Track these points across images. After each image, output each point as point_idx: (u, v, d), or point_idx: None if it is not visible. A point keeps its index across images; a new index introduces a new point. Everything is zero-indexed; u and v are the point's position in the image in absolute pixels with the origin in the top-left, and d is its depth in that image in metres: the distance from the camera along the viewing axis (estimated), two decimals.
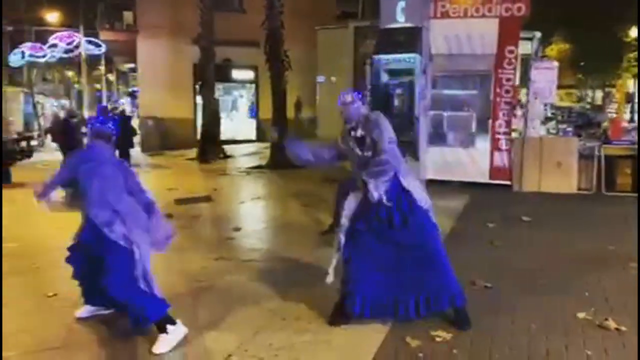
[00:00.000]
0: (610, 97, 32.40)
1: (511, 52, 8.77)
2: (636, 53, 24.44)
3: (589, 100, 33.51)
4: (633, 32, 24.06)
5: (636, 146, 8.63)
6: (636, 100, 29.08)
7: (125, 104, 33.92)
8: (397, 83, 7.44)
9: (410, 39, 7.31)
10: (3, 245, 6.22)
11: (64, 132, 11.33)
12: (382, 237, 3.69)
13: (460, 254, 5.44)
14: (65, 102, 41.41)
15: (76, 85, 49.08)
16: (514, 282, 4.69)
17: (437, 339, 3.54)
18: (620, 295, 4.31)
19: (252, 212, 8.44)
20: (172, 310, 3.85)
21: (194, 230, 7.08)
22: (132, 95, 29.58)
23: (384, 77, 7.50)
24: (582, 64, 31.91)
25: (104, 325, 3.99)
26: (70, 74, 43.31)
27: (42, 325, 4.05)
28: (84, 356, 3.57)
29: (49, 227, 7.41)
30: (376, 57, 7.52)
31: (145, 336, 3.70)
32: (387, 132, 3.67)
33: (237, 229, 6.94)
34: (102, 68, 41.06)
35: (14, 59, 18.97)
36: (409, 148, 7.02)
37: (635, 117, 26.39)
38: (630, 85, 31.34)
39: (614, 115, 18.16)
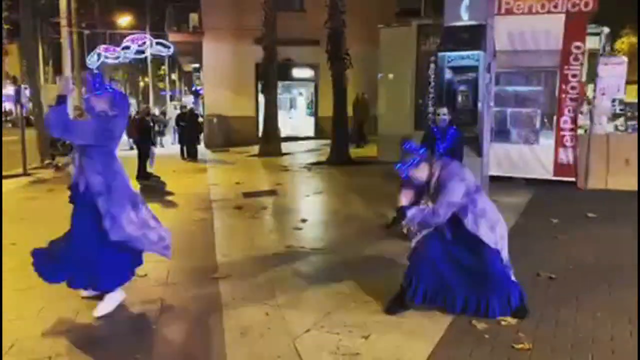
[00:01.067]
0: None
1: (578, 47, 8.68)
2: None
3: None
4: None
5: None
6: None
7: (189, 102, 35.33)
8: (460, 80, 7.53)
9: (474, 37, 7.38)
10: None
11: (140, 129, 12.06)
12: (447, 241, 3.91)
13: (524, 248, 5.59)
14: (131, 101, 43.34)
15: (141, 85, 51.37)
16: (579, 274, 4.78)
17: (503, 323, 3.73)
18: None
19: (316, 205, 8.77)
20: (249, 292, 4.27)
21: (263, 221, 7.50)
22: (196, 94, 30.69)
23: (448, 74, 7.61)
24: None
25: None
26: (134, 74, 45.41)
27: (135, 302, 4.52)
28: (180, 328, 3.98)
29: None
30: (440, 54, 7.65)
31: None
32: (450, 195, 3.71)
33: (304, 221, 7.28)
34: (165, 68, 42.84)
35: (91, 60, 20.20)
36: (473, 144, 7.12)
37: None
38: None
39: None
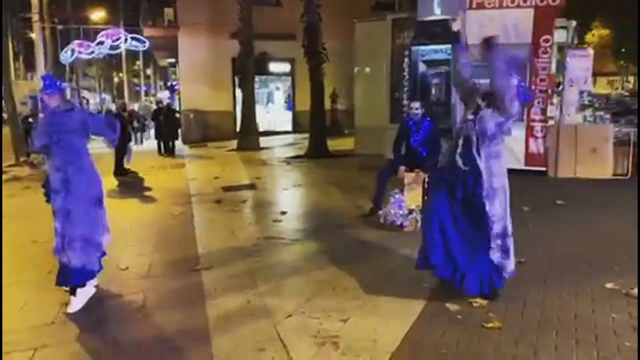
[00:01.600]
0: None
1: (546, 41, 8.95)
2: None
3: (630, 87, 32.73)
4: None
5: None
6: None
7: (164, 97, 35.03)
8: (434, 73, 7.74)
9: (446, 30, 7.61)
10: None
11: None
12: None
13: None
14: (106, 96, 42.81)
15: (115, 80, 50.71)
16: (546, 258, 5.02)
17: (474, 304, 3.93)
18: None
19: (295, 198, 8.89)
20: (231, 282, 4.39)
21: (243, 214, 7.60)
22: (172, 89, 30.46)
23: (422, 68, 7.82)
24: (623, 50, 31.22)
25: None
26: (108, 69, 44.81)
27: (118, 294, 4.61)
28: (164, 317, 4.08)
29: None
30: (414, 48, 7.84)
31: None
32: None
33: (283, 213, 7.41)
34: (140, 63, 42.36)
35: (65, 56, 19.93)
36: (447, 135, 7.31)
37: None
38: None
39: None
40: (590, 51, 9.65)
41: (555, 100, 9.96)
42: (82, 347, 3.61)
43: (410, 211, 6.27)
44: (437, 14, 7.73)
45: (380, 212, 6.38)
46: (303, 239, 6.06)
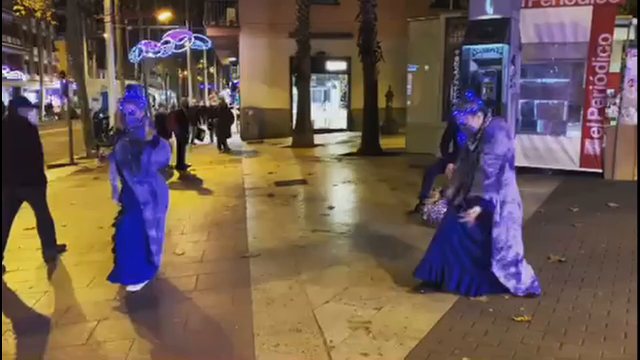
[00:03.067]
0: None
1: (605, 40, 8.72)
2: None
3: None
4: None
5: None
6: None
7: (225, 95, 36.14)
8: (485, 72, 7.75)
9: (498, 30, 7.60)
10: None
11: (179, 121, 12.65)
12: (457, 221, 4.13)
13: (540, 233, 5.84)
14: (171, 93, 44.57)
15: (180, 78, 52.66)
16: (588, 258, 5.00)
17: (507, 297, 4.03)
18: None
19: (344, 194, 9.12)
20: (276, 269, 4.70)
21: (293, 208, 7.90)
22: (234, 87, 31.39)
23: (473, 67, 7.84)
24: None
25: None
26: (174, 67, 46.63)
27: (174, 277, 5.00)
28: (213, 298, 4.43)
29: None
30: (465, 47, 7.88)
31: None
32: (497, 146, 3.86)
33: (331, 208, 7.66)
34: (204, 62, 43.83)
35: (133, 55, 21.05)
36: None
37: None
38: None
39: None
40: None
41: (617, 100, 9.66)
42: (138, 322, 4.00)
43: None
44: (490, 13, 7.73)
45: (425, 209, 6.49)
46: (347, 233, 6.28)
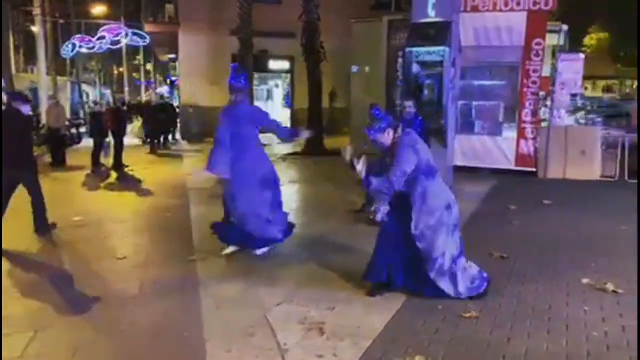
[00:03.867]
0: None
1: (539, 44, 9.16)
2: None
3: (627, 91, 32.91)
4: None
5: None
6: None
7: (164, 92, 35.18)
8: (427, 74, 7.92)
9: (440, 33, 7.76)
10: (72, 218, 7.09)
11: (116, 118, 12.19)
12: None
13: (480, 231, 6.05)
14: (106, 91, 42.97)
15: (115, 74, 50.78)
16: (528, 254, 5.22)
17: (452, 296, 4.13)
18: (624, 266, 4.79)
19: (290, 194, 9.05)
20: (225, 271, 4.58)
21: None
22: (172, 84, 30.61)
23: (415, 69, 7.99)
24: (622, 54, 31.38)
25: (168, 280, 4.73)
26: (108, 63, 44.92)
27: (117, 281, 4.81)
28: (160, 304, 4.28)
29: (102, 203, 8.31)
30: (408, 49, 8.02)
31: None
32: (401, 163, 3.92)
33: None
34: (141, 58, 42.45)
35: (66, 50, 20.09)
36: (438, 135, 7.51)
37: None
38: None
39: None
40: (581, 55, 9.86)
41: (549, 102, 10.17)
42: (81, 330, 3.80)
43: None
44: (432, 16, 7.90)
45: (373, 208, 6.56)
46: (296, 233, 6.24)
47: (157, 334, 3.74)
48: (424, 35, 7.85)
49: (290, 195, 8.91)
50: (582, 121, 11.48)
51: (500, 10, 9.21)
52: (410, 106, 6.79)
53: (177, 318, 3.98)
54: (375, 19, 11.29)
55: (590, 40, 33.34)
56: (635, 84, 35.18)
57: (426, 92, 7.91)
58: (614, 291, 4.15)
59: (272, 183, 5.50)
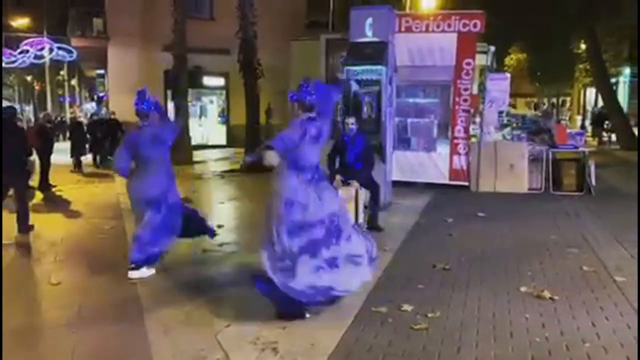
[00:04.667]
0: (565, 105, 34.15)
1: (468, 64, 9.61)
2: (586, 64, 26.01)
3: (544, 108, 35.06)
4: (583, 46, 25.55)
5: (579, 150, 9.57)
6: (589, 108, 30.80)
7: (90, 108, 33.82)
8: (365, 92, 8.12)
9: (377, 52, 8.00)
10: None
11: (41, 136, 11.56)
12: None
13: (422, 244, 6.22)
14: (28, 107, 40.75)
15: (37, 90, 48.28)
16: (468, 265, 5.41)
17: (402, 308, 4.21)
18: (556, 273, 5.08)
19: (231, 211, 8.97)
20: (169, 294, 4.43)
21: None
22: (99, 100, 29.52)
23: (354, 86, 8.17)
24: (538, 73, 33.37)
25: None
26: (29, 78, 42.71)
27: (51, 308, 4.53)
28: (102, 330, 4.07)
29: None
30: (347, 68, 8.19)
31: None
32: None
33: (220, 226, 7.43)
34: (64, 73, 40.65)
35: None
36: (377, 151, 7.68)
37: (586, 123, 28.02)
38: (581, 94, 33.14)
39: (562, 122, 19.50)
40: (508, 75, 10.43)
41: (477, 119, 10.66)
42: None
43: None
44: (369, 35, 8.12)
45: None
46: (239, 251, 6.16)
47: None
48: (362, 54, 8.06)
49: (232, 213, 8.81)
50: (509, 137, 12.09)
51: (433, 32, 9.60)
52: (352, 122, 6.92)
53: (123, 345, 3.81)
54: (313, 37, 11.46)
55: (510, 60, 35.40)
56: (551, 100, 37.62)
57: (365, 109, 8.10)
58: (550, 298, 4.38)
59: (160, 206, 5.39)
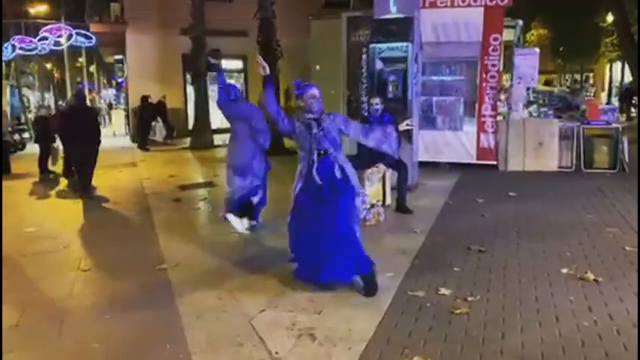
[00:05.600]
0: (588, 81, 33.32)
1: (496, 39, 9.30)
2: (612, 38, 25.24)
3: (567, 84, 34.25)
4: (609, 18, 24.75)
5: (612, 126, 9.25)
6: (615, 84, 29.98)
7: (110, 95, 33.94)
8: (390, 70, 7.90)
9: (402, 29, 7.76)
10: (24, 229, 6.66)
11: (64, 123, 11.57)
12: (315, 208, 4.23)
13: (454, 225, 6.07)
14: (47, 95, 41.14)
15: (56, 77, 48.63)
16: (504, 247, 5.24)
17: (439, 292, 4.09)
18: (598, 254, 4.89)
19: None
20: (199, 279, 4.37)
21: (204, 212, 7.56)
22: (118, 86, 29.56)
23: (379, 65, 7.96)
24: (561, 49, 32.55)
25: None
26: (48, 66, 42.98)
27: (84, 295, 4.51)
28: (135, 317, 4.03)
29: (54, 212, 7.87)
30: (371, 46, 7.97)
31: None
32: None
33: None
34: (83, 60, 40.80)
35: (5, 52, 18.98)
36: (404, 132, 7.48)
37: (613, 100, 27.30)
38: (607, 70, 32.26)
39: (591, 98, 19.01)
40: (537, 50, 10.10)
41: (502, 96, 10.37)
42: (49, 352, 3.52)
43: (372, 205, 6.41)
44: (393, 12, 7.88)
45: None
46: (267, 235, 6.07)
47: (136, 350, 3.50)
48: (387, 31, 7.83)
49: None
50: (535, 114, 11.78)
51: (458, 6, 9.30)
52: (377, 103, 6.75)
53: (156, 331, 3.75)
54: (332, 15, 11.19)
55: (531, 36, 34.57)
56: (574, 77, 36.72)
57: (390, 88, 7.89)
58: (594, 280, 4.21)
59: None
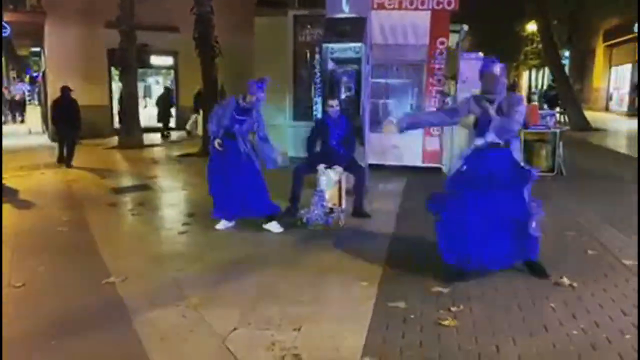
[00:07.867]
0: (517, 86, 35.04)
1: (442, 43, 9.37)
2: (532, 47, 26.73)
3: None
4: (529, 27, 26.12)
5: (550, 130, 9.58)
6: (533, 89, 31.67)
7: (23, 89, 31.53)
8: (343, 71, 7.72)
9: (356, 29, 7.58)
10: None
11: None
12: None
13: (416, 229, 5.95)
14: None
15: None
16: None
17: (419, 302, 3.91)
18: (564, 259, 4.89)
19: (198, 198, 8.33)
20: (155, 294, 3.94)
21: (146, 217, 6.96)
22: (33, 80, 27.52)
23: (331, 65, 7.75)
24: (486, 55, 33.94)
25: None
26: None
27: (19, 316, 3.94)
28: (86, 340, 3.53)
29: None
30: (324, 45, 7.74)
31: None
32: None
33: (191, 215, 6.94)
34: None
35: None
36: (358, 134, 7.34)
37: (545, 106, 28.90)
38: (526, 76, 34.10)
39: (534, 104, 19.93)
40: (481, 54, 10.29)
41: (447, 100, 10.48)
42: None
43: (331, 209, 6.19)
44: (346, 11, 7.70)
45: (302, 211, 6.20)
46: (221, 243, 5.67)
47: None
48: (340, 31, 7.62)
49: (201, 201, 8.15)
50: None
51: (406, 9, 9.27)
52: (335, 104, 6.54)
53: (115, 358, 3.30)
54: (279, 14, 10.84)
55: (462, 42, 36.04)
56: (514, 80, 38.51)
57: (343, 89, 7.71)
58: (570, 285, 4.20)
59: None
